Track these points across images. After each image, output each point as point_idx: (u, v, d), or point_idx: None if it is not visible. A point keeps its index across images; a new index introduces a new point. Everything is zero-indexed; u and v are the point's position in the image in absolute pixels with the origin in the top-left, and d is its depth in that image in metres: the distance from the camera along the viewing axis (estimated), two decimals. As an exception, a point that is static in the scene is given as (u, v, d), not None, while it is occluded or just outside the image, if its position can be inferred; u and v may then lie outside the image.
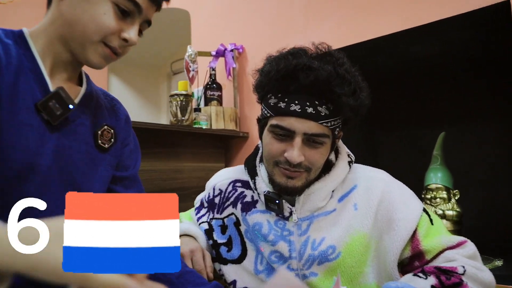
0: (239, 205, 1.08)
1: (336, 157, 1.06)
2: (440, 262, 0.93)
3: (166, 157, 1.69)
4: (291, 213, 1.00)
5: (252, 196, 1.07)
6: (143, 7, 0.75)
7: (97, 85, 0.90)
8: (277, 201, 0.98)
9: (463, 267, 0.89)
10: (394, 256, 0.94)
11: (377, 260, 0.97)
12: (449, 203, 1.52)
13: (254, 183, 1.04)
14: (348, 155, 1.08)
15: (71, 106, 0.74)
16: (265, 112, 0.98)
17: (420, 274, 0.89)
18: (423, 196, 1.58)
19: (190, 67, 1.83)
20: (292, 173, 0.95)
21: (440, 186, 1.54)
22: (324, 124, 0.92)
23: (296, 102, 0.92)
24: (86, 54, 0.74)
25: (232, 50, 1.89)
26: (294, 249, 0.99)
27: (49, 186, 0.72)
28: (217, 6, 2.11)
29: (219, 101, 1.88)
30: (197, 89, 2.01)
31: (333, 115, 0.93)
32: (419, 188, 1.50)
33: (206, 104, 1.89)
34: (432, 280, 0.87)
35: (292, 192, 0.98)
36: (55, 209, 0.60)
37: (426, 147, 1.68)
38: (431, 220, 0.98)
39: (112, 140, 0.86)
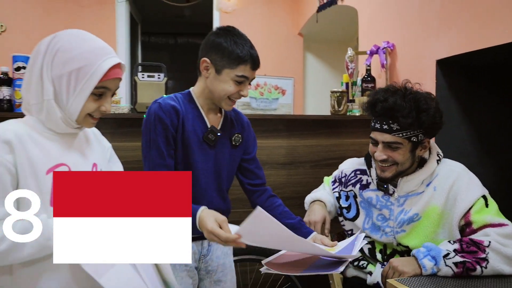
0: (357, 185, 1.64)
1: (429, 155, 1.53)
2: (478, 235, 1.35)
3: (329, 135, 2.34)
4: (393, 192, 1.52)
5: (367, 180, 1.62)
6: (249, 77, 1.37)
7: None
8: (385, 186, 1.53)
9: (490, 241, 1.29)
10: (455, 223, 1.40)
11: (447, 225, 1.44)
12: None
13: (370, 172, 1.61)
14: (438, 154, 1.53)
15: (219, 134, 1.44)
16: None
17: (451, 241, 1.35)
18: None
19: (349, 66, 2.39)
20: (383, 167, 1.48)
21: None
22: (396, 135, 1.42)
23: (378, 122, 1.45)
24: (221, 105, 1.41)
25: (384, 48, 2.33)
26: (393, 214, 1.53)
27: (209, 175, 1.44)
28: (378, 5, 2.53)
29: (373, 91, 2.39)
30: (359, 78, 2.54)
31: (404, 129, 1.41)
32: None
33: (363, 93, 2.42)
34: (456, 245, 1.32)
35: (384, 180, 1.51)
36: (211, 185, 1.41)
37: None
38: (487, 204, 1.39)
39: (240, 140, 1.52)
